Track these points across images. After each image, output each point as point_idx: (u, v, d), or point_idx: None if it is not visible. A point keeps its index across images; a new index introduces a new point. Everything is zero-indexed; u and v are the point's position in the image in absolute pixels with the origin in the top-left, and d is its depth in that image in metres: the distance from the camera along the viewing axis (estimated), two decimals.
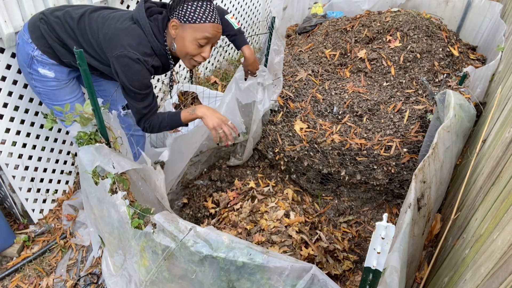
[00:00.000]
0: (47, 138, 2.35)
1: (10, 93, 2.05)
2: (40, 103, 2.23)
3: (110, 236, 1.47)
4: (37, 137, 2.28)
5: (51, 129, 2.35)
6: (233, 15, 3.82)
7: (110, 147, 1.49)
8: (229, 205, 2.32)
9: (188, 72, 3.47)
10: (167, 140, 2.25)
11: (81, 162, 1.43)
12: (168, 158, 2.14)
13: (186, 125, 1.80)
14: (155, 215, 1.28)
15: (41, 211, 2.45)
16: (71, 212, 2.47)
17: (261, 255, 1.17)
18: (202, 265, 1.22)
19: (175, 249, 1.24)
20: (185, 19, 1.63)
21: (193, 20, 1.62)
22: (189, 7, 1.62)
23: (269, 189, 2.38)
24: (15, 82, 2.05)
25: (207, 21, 1.62)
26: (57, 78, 1.86)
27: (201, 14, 1.62)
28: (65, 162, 2.54)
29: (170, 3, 1.69)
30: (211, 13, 1.64)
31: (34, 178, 2.32)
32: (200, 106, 1.74)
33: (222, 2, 3.57)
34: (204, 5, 1.63)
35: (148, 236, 1.28)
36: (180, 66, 3.35)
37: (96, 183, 1.38)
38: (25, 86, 2.11)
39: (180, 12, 1.64)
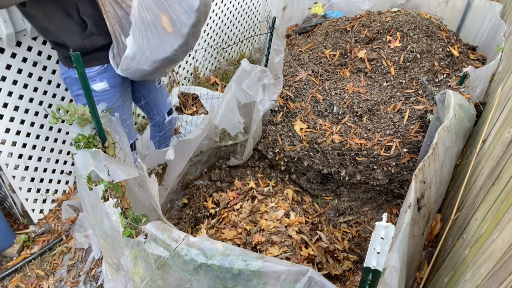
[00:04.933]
0: (47, 138, 2.35)
1: (10, 93, 2.05)
2: (40, 103, 2.22)
3: (104, 242, 1.45)
4: (37, 137, 2.28)
5: (51, 128, 2.35)
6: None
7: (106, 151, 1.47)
8: (229, 205, 2.31)
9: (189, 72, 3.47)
10: (171, 142, 2.26)
11: (76, 166, 1.41)
12: (174, 157, 2.14)
13: None
14: (147, 224, 1.25)
15: (41, 211, 2.45)
16: (71, 212, 2.47)
17: (257, 261, 1.16)
18: (197, 273, 1.20)
19: (168, 259, 1.22)
20: None
21: None
22: None
23: (269, 189, 2.38)
24: (15, 82, 2.05)
25: None
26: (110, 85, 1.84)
27: None
28: (65, 162, 2.54)
29: None
30: None
31: (34, 178, 2.32)
32: None
33: (222, 2, 3.56)
34: None
35: (140, 246, 1.26)
36: (180, 66, 3.35)
37: (90, 189, 1.37)
38: (25, 86, 2.11)
39: None
